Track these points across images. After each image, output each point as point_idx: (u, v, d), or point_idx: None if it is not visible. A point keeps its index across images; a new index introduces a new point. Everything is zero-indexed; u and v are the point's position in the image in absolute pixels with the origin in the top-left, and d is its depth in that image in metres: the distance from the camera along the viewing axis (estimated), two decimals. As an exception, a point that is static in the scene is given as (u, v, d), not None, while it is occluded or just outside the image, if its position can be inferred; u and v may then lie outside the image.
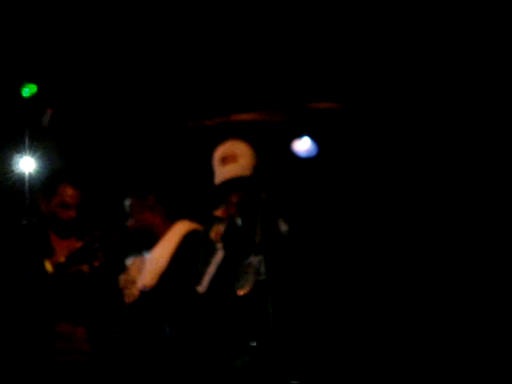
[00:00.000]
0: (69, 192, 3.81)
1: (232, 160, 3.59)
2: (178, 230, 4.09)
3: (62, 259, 3.68)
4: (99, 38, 4.78)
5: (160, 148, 5.54)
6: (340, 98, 5.23)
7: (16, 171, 4.56)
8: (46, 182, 3.88)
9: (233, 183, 3.54)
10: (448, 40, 4.45)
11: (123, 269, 3.94)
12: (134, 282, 3.88)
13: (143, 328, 3.80)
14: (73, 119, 5.21)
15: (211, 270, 3.50)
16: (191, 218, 4.31)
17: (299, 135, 5.45)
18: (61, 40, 4.70)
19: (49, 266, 3.70)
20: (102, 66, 5.00)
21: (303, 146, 5.47)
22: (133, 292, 3.89)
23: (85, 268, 3.72)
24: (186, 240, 4.03)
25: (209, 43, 4.95)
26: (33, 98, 4.78)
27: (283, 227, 3.50)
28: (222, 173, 3.58)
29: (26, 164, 4.63)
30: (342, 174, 5.24)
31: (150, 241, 4.06)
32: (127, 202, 4.13)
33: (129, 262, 3.99)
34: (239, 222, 3.55)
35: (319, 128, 5.46)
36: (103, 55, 4.93)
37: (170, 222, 4.12)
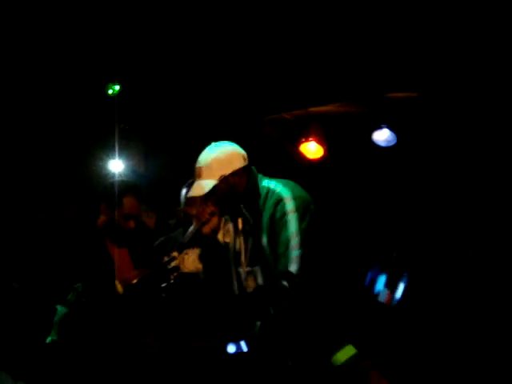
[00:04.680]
0: (133, 203, 3.78)
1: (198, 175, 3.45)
2: None
3: (134, 281, 3.56)
4: (177, 36, 4.92)
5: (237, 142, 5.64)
6: (418, 88, 5.22)
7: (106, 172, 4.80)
8: (112, 192, 3.78)
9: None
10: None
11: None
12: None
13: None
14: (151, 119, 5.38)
15: None
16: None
17: (378, 125, 5.49)
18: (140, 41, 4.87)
19: (119, 287, 3.64)
20: (181, 62, 5.13)
21: (382, 136, 5.50)
22: None
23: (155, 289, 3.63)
24: None
25: (286, 37, 5.00)
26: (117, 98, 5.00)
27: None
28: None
29: (115, 165, 4.90)
30: (420, 163, 5.25)
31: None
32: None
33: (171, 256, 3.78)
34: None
35: (398, 118, 5.47)
36: (179, 51, 5.04)
37: None
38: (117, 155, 4.91)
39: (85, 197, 4.42)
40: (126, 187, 3.82)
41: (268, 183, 3.41)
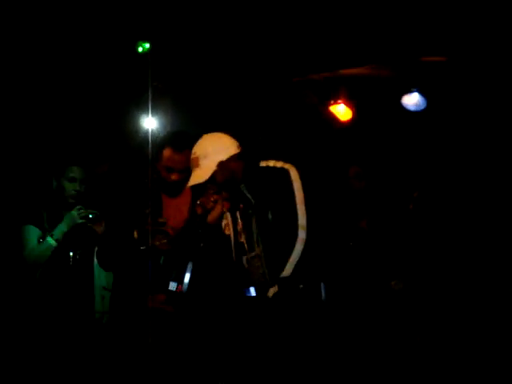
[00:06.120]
0: (171, 156, 3.75)
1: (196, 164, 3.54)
2: None
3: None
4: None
5: (266, 103, 5.65)
6: (449, 51, 5.19)
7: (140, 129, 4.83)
8: (155, 146, 3.84)
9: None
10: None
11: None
12: None
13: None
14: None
15: None
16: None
17: (408, 89, 5.47)
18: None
19: (135, 234, 3.74)
20: (209, 23, 5.12)
21: (412, 100, 5.49)
22: None
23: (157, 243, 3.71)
24: None
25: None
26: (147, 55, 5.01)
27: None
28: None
29: (149, 122, 4.93)
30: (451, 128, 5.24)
31: None
32: None
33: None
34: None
35: (428, 82, 5.44)
36: (210, 14, 5.03)
37: None
38: (150, 113, 4.94)
39: (119, 153, 4.47)
40: (164, 139, 3.88)
41: (267, 163, 3.50)
